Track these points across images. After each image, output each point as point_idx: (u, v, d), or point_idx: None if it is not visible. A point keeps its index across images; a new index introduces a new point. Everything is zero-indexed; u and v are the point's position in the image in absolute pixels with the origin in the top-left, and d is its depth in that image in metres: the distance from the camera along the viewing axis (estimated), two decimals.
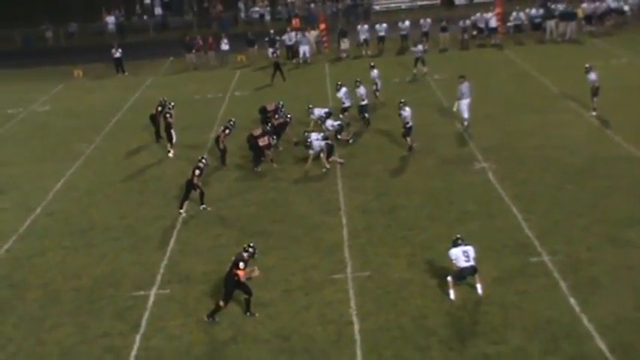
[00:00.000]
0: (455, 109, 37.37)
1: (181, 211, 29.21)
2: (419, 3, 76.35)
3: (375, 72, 42.41)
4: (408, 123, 33.71)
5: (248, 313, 21.65)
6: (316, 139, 32.52)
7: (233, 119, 35.49)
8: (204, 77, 53.95)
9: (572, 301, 21.21)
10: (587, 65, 37.11)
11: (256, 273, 21.50)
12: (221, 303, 21.40)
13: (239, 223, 28.30)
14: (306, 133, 33.18)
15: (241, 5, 76.62)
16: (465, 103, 36.94)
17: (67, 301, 23.54)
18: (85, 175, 34.81)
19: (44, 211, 30.91)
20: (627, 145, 32.33)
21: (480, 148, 33.68)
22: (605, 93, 36.33)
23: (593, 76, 36.32)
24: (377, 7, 76.64)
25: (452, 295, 21.74)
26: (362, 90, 38.37)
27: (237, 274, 21.09)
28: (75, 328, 21.96)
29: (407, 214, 27.88)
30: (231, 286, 21.30)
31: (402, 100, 34.58)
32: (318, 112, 36.64)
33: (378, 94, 41.98)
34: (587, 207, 27.19)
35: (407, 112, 33.80)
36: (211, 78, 53.36)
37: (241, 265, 21.14)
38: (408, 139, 33.87)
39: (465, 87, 37.29)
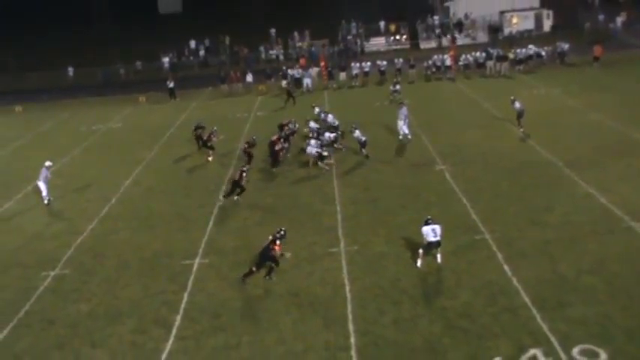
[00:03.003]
0: (399, 127, 37.00)
1: (221, 198, 29.29)
2: (393, 47, 76.22)
3: (317, 109, 41.49)
4: (362, 139, 33.78)
5: (267, 277, 21.65)
6: (312, 145, 32.55)
7: (254, 136, 35.51)
8: (234, 102, 53.81)
9: (505, 267, 21.26)
10: (511, 97, 37.21)
11: (288, 256, 21.66)
12: (254, 269, 21.45)
13: (260, 210, 28.26)
14: (307, 140, 33.26)
15: (262, 48, 76.52)
16: (403, 123, 36.79)
17: (134, 268, 23.69)
18: (146, 174, 34.79)
19: (117, 201, 30.92)
20: (545, 152, 32.27)
21: (439, 155, 33.56)
22: (529, 115, 36.28)
23: (517, 104, 36.27)
24: (366, 49, 76.56)
25: (419, 263, 21.75)
26: (330, 117, 38.39)
27: (273, 249, 21.21)
28: (140, 287, 22.12)
29: (385, 204, 27.83)
30: (264, 258, 21.35)
31: (353, 125, 35.02)
32: (313, 125, 36.62)
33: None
34: (517, 198, 27.16)
35: (357, 132, 34.02)
36: (239, 102, 53.20)
37: (278, 242, 21.32)
38: (364, 150, 33.83)
39: (403, 111, 37.27)
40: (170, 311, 20.39)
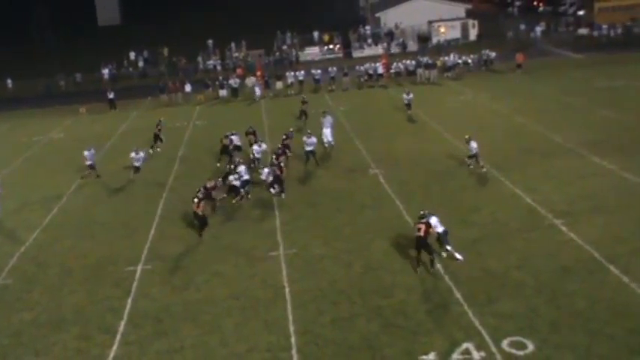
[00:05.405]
0: (323, 136, 36.13)
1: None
2: (327, 56, 76.48)
3: (260, 146, 34.19)
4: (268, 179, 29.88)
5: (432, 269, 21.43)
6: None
7: (291, 129, 36.14)
8: (173, 111, 53.01)
9: (438, 265, 21.46)
10: (466, 136, 31.34)
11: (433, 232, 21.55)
12: (431, 256, 21.28)
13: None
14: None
15: (200, 59, 76.02)
16: (328, 131, 36.46)
17: (78, 275, 23.29)
18: (89, 183, 34.12)
19: (60, 210, 30.37)
20: None
21: (372, 159, 33.79)
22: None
23: (473, 144, 30.72)
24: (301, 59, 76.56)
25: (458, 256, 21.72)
26: (313, 139, 33.56)
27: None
28: (84, 294, 21.77)
29: (322, 208, 27.91)
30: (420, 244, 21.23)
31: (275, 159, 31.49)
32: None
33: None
34: (447, 199, 27.51)
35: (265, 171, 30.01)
36: (178, 112, 52.52)
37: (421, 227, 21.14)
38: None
39: (327, 120, 37.24)
40: (114, 317, 20.08)
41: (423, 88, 54.12)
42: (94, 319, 20.08)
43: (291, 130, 36.35)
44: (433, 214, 21.90)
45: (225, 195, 29.25)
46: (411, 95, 43.89)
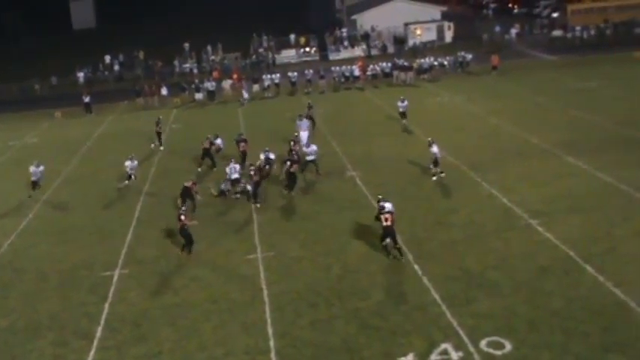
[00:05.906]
0: (303, 138, 35.83)
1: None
2: (303, 59, 76.47)
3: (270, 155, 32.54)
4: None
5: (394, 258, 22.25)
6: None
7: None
8: (149, 115, 52.27)
9: (415, 267, 21.57)
10: (429, 139, 30.96)
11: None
12: (397, 245, 22.18)
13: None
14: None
15: (176, 62, 75.74)
16: (304, 134, 36.44)
17: (54, 280, 23.14)
18: (65, 188, 34.00)
19: (35, 216, 30.17)
20: (450, 156, 32.68)
21: (350, 162, 33.84)
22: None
23: (434, 148, 30.05)
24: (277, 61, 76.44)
25: None
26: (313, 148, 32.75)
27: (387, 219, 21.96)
28: (60, 300, 21.63)
29: (301, 210, 27.92)
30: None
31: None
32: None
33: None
34: (424, 201, 27.63)
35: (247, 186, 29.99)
36: (155, 115, 51.62)
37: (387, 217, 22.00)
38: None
39: (303, 123, 37.40)
40: (91, 322, 19.95)
41: (399, 90, 54.03)
42: (70, 325, 19.94)
43: (296, 135, 36.11)
44: (387, 200, 22.55)
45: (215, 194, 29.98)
46: (406, 103, 41.15)
